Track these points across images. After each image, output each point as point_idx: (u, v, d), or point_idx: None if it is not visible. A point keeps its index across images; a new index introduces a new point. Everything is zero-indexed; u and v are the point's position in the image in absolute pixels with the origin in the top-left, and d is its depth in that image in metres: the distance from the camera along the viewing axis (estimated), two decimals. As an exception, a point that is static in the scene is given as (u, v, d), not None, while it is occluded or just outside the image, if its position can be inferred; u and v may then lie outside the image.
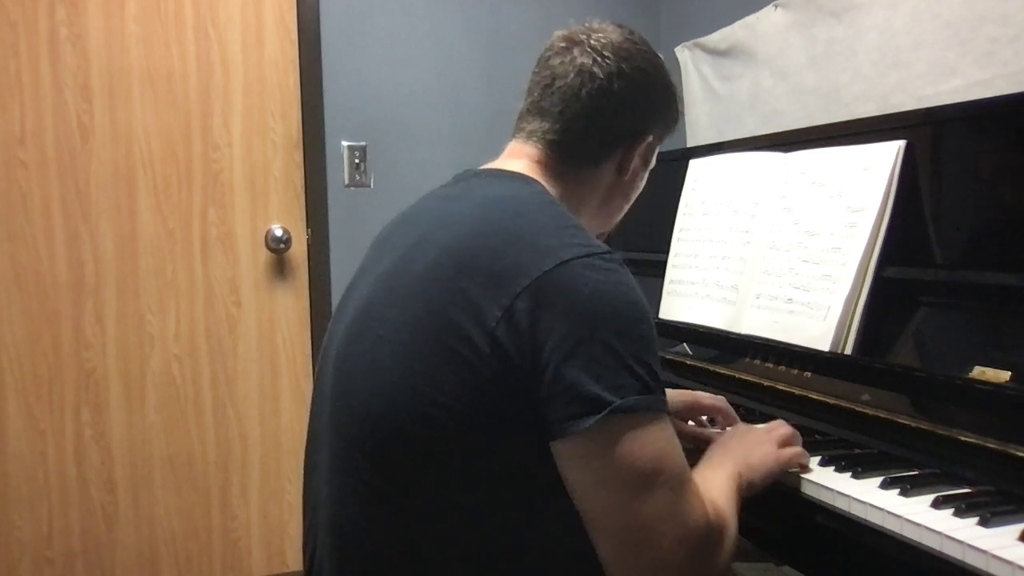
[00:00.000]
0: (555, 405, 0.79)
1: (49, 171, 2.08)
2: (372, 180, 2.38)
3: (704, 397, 1.22)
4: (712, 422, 1.23)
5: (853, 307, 1.18)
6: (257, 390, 2.29)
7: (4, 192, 2.05)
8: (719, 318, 1.45)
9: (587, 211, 1.03)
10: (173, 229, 2.19)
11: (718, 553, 0.84)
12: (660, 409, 0.82)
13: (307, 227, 2.31)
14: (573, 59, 0.98)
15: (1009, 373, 0.95)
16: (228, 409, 2.27)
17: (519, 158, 1.00)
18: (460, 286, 0.83)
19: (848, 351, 1.18)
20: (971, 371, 0.99)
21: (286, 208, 2.30)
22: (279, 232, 2.26)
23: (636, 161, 1.03)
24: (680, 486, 0.82)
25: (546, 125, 0.99)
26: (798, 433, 1.08)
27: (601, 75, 0.97)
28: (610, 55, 0.97)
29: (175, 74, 2.17)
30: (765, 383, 1.29)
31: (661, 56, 1.04)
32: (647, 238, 1.91)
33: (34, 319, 2.09)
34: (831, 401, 1.16)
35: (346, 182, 2.35)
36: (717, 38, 2.31)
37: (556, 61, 0.99)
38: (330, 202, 2.33)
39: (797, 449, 1.03)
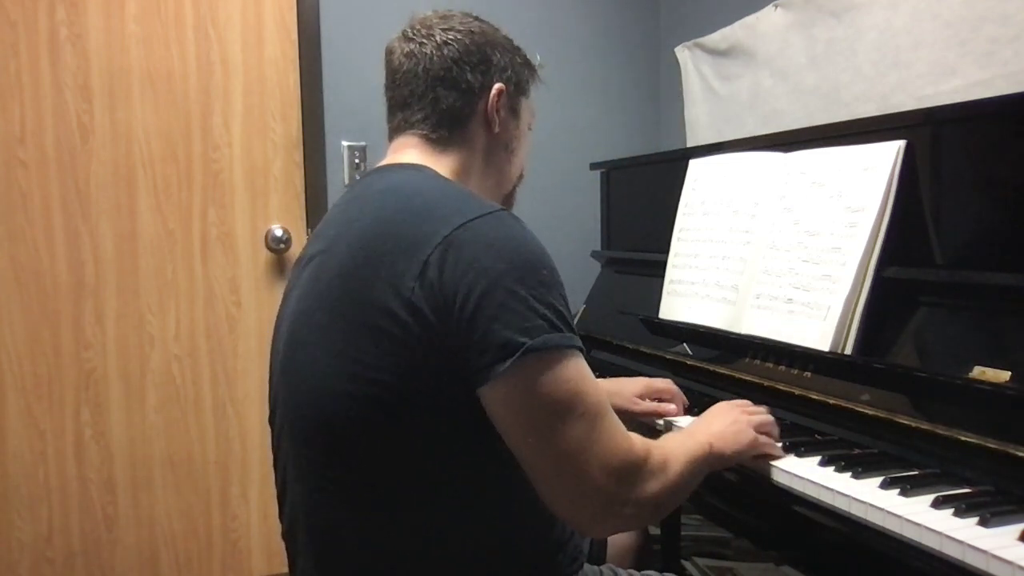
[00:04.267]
0: (474, 355, 0.84)
1: (49, 171, 2.08)
2: (372, 180, 2.37)
3: (655, 380, 1.38)
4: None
5: (853, 307, 1.18)
6: (257, 390, 2.28)
7: (4, 192, 2.05)
8: (719, 318, 1.45)
9: (476, 173, 1.10)
10: (173, 229, 2.19)
11: (641, 484, 0.89)
12: (569, 345, 0.87)
13: (307, 227, 2.31)
14: (403, 50, 1.08)
15: (1009, 373, 0.95)
16: (228, 409, 2.27)
17: (404, 149, 1.08)
18: (375, 269, 0.88)
19: (848, 351, 1.18)
20: (971, 371, 1.00)
21: (286, 208, 2.30)
22: (279, 232, 2.26)
23: (502, 113, 1.09)
24: (597, 416, 0.87)
25: (407, 112, 1.08)
26: (775, 423, 1.13)
27: (428, 51, 1.06)
28: (435, 32, 1.07)
29: (175, 74, 2.17)
30: (765, 383, 1.29)
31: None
32: (647, 238, 1.91)
33: (34, 319, 2.08)
34: (831, 401, 1.16)
35: (346, 182, 2.35)
36: (717, 38, 2.31)
37: (393, 59, 1.09)
38: (330, 202, 2.33)
39: (770, 440, 1.10)
